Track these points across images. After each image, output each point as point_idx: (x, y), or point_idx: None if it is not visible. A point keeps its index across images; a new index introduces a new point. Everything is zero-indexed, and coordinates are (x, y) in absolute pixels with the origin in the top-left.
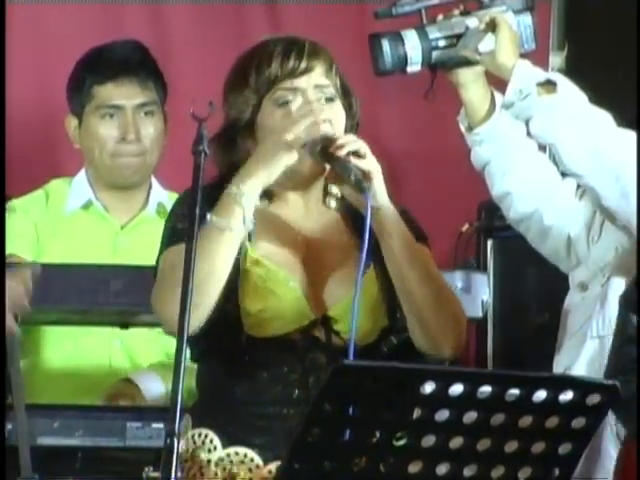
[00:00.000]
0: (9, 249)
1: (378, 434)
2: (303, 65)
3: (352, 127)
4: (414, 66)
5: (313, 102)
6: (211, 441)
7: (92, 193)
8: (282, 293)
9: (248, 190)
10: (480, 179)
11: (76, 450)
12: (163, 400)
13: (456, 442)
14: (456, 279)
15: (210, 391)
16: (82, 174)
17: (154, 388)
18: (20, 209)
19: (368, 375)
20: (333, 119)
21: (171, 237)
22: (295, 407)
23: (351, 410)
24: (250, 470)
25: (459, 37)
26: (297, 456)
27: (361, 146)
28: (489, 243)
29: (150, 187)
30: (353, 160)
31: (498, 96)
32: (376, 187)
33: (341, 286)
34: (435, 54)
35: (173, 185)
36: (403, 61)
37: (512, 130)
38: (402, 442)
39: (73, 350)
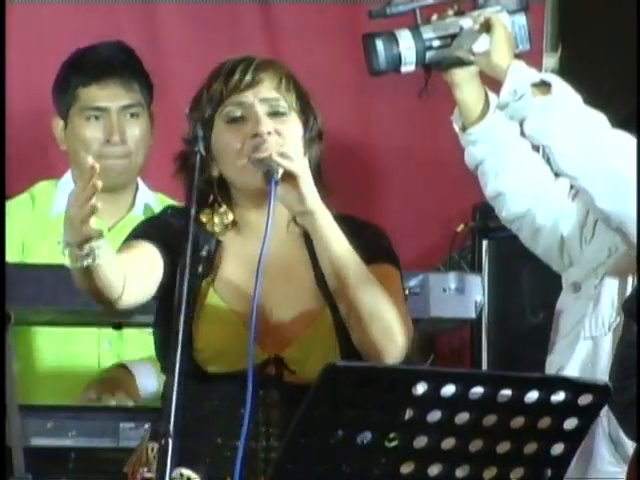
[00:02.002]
0: None
1: (370, 435)
2: (248, 78)
3: (311, 140)
4: (408, 66)
5: (259, 115)
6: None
7: None
8: (232, 334)
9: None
10: (475, 180)
11: (69, 451)
12: (155, 395)
13: (448, 443)
14: (450, 280)
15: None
16: (68, 176)
17: (148, 379)
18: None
19: (360, 376)
20: (283, 132)
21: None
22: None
23: (342, 411)
24: None
25: (453, 37)
26: (289, 457)
27: (287, 149)
28: (484, 244)
29: (137, 189)
30: (277, 160)
31: (492, 96)
32: (303, 189)
33: (297, 323)
34: (429, 54)
35: (161, 186)
36: (397, 61)
37: (506, 130)
38: (394, 443)
39: (62, 351)
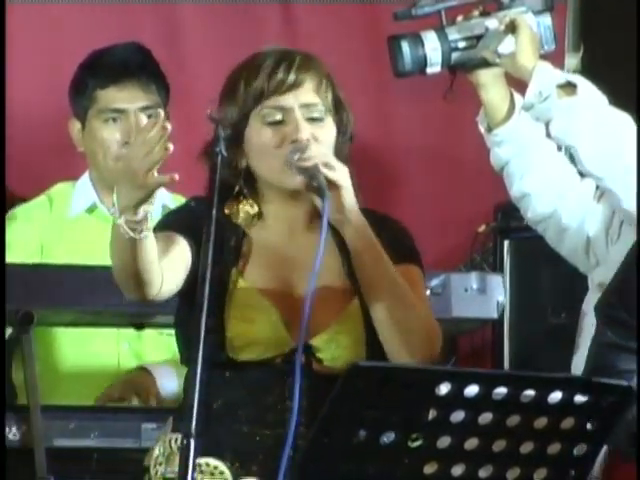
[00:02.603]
0: (12, 257)
1: (393, 435)
2: (291, 79)
3: (344, 142)
4: (434, 67)
5: (299, 121)
6: None
7: (96, 196)
8: (262, 322)
9: (119, 209)
10: (497, 180)
11: (92, 451)
12: (176, 396)
13: (471, 443)
14: (471, 280)
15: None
16: (86, 177)
17: (169, 381)
18: (22, 217)
19: (383, 376)
20: (320, 137)
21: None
22: (270, 429)
23: (365, 411)
24: None
25: (479, 38)
26: (312, 457)
27: (330, 159)
28: (505, 244)
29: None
30: (324, 171)
31: (518, 97)
32: (345, 200)
33: (326, 314)
34: (455, 55)
35: (179, 188)
36: (423, 62)
37: (531, 131)
38: (417, 443)
39: (81, 352)
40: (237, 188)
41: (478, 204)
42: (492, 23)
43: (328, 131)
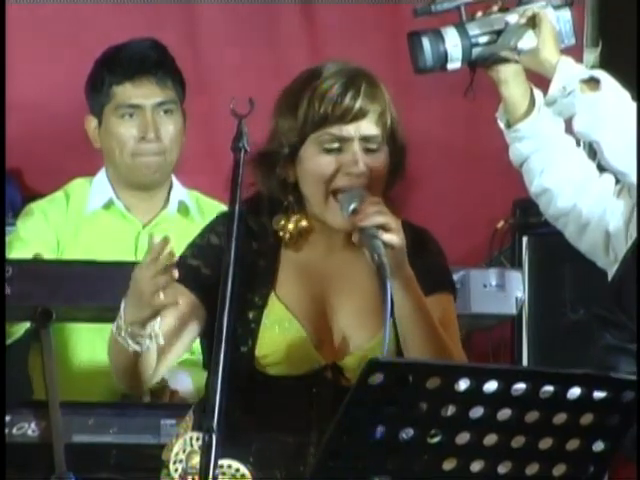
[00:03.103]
0: (28, 252)
1: (412, 431)
2: (356, 109)
3: (394, 173)
4: (454, 63)
5: (357, 154)
6: None
7: (113, 192)
8: (294, 341)
9: (126, 322)
10: (515, 176)
11: (110, 447)
12: (192, 396)
13: (490, 439)
14: (490, 276)
15: None
16: (102, 173)
17: (184, 385)
18: (38, 212)
19: (402, 372)
20: (372, 168)
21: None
22: (293, 437)
23: (384, 407)
24: None
25: (499, 33)
26: (331, 453)
27: (389, 220)
28: (524, 240)
29: (171, 186)
30: (382, 237)
31: (538, 93)
32: (396, 259)
33: (359, 336)
34: (475, 51)
35: (196, 183)
36: (443, 58)
37: (551, 127)
38: (436, 439)
39: (94, 350)
40: (285, 203)
41: (497, 200)
42: (512, 18)
43: (382, 162)
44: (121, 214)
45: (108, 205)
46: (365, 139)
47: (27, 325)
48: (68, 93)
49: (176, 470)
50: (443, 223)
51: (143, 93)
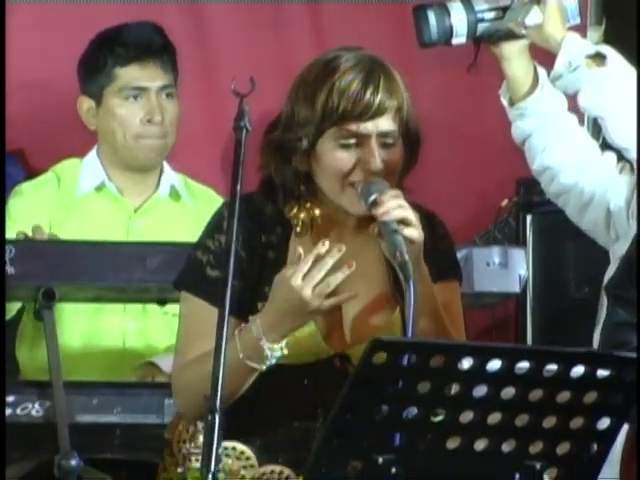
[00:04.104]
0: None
1: (416, 410)
2: (375, 105)
3: (408, 163)
4: (459, 38)
5: (374, 150)
6: None
7: (105, 175)
8: (301, 333)
9: (269, 339)
10: (519, 154)
11: (114, 427)
12: None
13: (494, 418)
14: (493, 254)
15: None
16: (92, 155)
17: None
18: (28, 192)
19: (405, 351)
20: (388, 162)
21: (198, 283)
22: (299, 422)
23: (388, 386)
24: (245, 468)
25: (505, 9)
26: (335, 432)
27: (409, 215)
28: (528, 218)
29: (162, 170)
30: (404, 231)
31: (541, 70)
32: (414, 254)
33: (366, 327)
34: (481, 27)
35: (184, 168)
36: (448, 33)
37: (554, 104)
38: (440, 418)
39: (87, 330)
40: (297, 192)
41: (500, 179)
42: None
43: (398, 155)
44: (113, 197)
45: (100, 187)
46: (382, 135)
47: (19, 305)
48: (72, 72)
49: (179, 450)
50: (446, 200)
51: (149, 75)
